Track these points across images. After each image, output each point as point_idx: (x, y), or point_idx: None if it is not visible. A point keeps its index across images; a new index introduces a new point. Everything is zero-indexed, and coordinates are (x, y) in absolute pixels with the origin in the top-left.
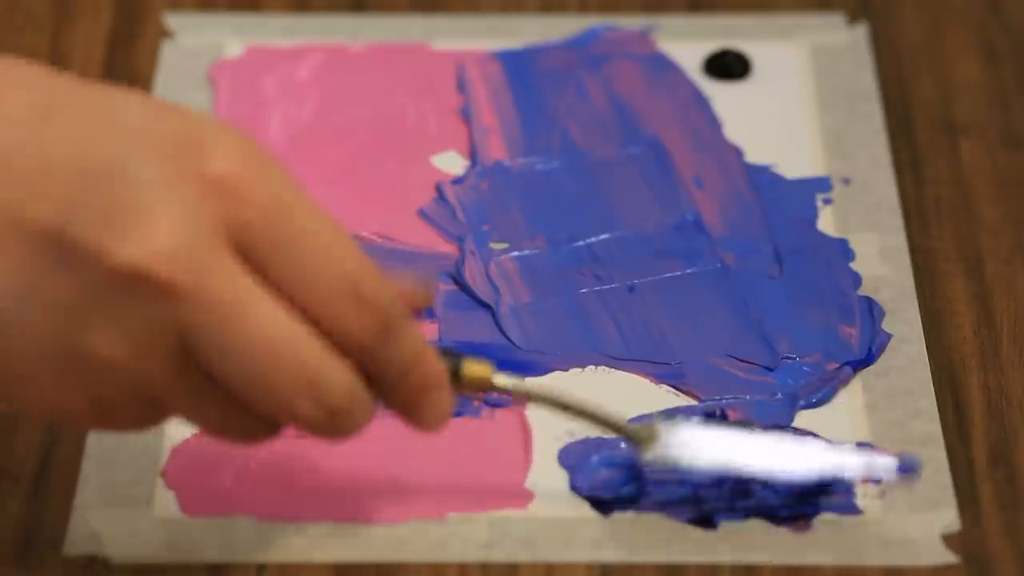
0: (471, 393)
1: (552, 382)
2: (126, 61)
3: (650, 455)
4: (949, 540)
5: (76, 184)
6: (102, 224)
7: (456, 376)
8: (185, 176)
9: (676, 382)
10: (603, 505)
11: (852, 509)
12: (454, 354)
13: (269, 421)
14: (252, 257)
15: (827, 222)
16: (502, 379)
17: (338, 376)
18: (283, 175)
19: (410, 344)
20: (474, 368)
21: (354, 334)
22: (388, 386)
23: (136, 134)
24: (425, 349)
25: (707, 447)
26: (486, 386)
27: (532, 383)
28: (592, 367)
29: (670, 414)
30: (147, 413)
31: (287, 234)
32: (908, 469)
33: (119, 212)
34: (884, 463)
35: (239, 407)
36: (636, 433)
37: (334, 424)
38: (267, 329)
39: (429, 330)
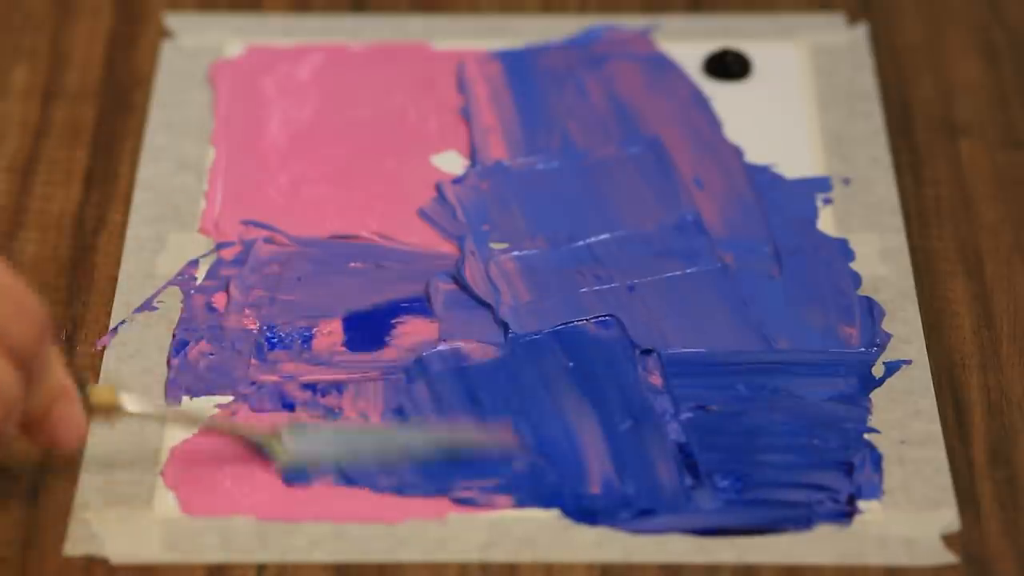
0: (103, 417)
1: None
2: (126, 61)
3: (283, 458)
4: (949, 540)
5: None
6: None
7: (86, 399)
8: None
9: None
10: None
11: (841, 518)
12: (82, 377)
13: None
14: None
15: (827, 222)
16: (131, 404)
17: (9, 369)
18: None
19: (49, 357)
20: (101, 392)
21: (16, 336)
22: (28, 392)
23: None
24: (58, 364)
25: (331, 444)
26: (114, 409)
27: (163, 406)
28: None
29: (299, 425)
30: None
31: None
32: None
33: None
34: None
35: None
36: (264, 440)
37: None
38: None
39: (429, 330)
